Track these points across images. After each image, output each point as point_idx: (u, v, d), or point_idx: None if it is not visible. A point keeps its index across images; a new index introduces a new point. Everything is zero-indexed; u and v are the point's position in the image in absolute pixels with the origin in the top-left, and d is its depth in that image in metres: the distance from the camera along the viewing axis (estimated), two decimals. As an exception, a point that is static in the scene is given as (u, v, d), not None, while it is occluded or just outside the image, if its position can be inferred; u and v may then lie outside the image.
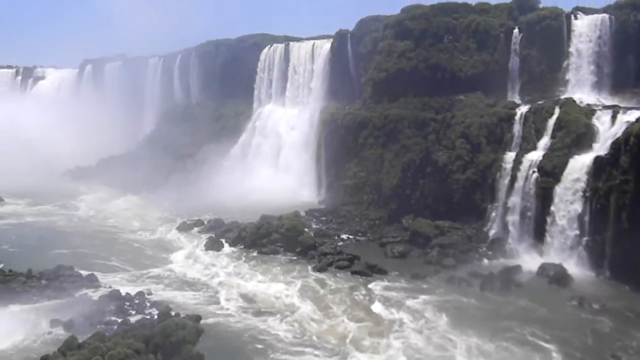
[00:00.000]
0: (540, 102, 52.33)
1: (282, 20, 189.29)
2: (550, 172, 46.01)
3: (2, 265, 44.05)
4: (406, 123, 57.88)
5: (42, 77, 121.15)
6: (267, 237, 50.62)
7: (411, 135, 57.17)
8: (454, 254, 46.64)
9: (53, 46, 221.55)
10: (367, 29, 67.09)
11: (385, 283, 41.64)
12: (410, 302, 37.79)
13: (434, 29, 60.56)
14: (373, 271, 43.64)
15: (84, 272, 42.37)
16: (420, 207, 54.09)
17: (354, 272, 43.78)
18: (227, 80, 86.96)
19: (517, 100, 55.44)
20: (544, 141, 48.78)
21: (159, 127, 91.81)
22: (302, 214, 57.81)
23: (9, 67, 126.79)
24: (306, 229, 52.50)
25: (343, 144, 63.49)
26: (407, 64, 60.47)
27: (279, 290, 40.41)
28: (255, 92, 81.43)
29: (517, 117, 51.74)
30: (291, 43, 77.67)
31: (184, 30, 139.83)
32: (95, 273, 42.52)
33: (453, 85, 58.08)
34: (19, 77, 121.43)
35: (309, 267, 45.28)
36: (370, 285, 41.13)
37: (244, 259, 48.22)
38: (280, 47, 78.32)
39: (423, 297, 38.75)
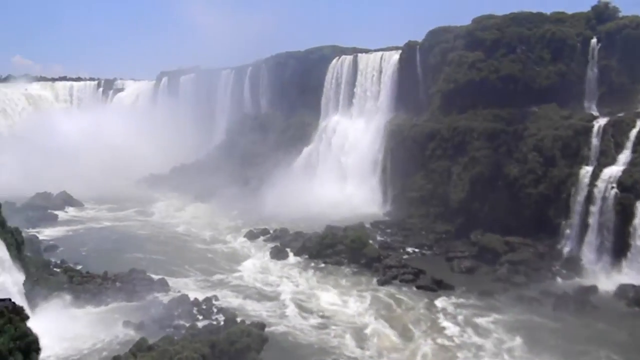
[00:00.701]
0: (620, 115, 49.56)
1: (351, 32, 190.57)
2: (631, 187, 43.44)
3: (80, 267, 46.39)
4: (475, 135, 56.46)
5: (122, 89, 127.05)
6: (331, 248, 50.54)
7: (481, 147, 55.68)
8: (525, 271, 44.86)
9: (133, 60, 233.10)
10: (437, 40, 66.10)
11: (452, 299, 40.52)
12: (479, 320, 36.56)
13: (507, 39, 58.93)
14: (439, 286, 42.61)
15: (155, 276, 43.87)
16: (489, 222, 52.34)
17: (419, 287, 42.91)
18: (295, 92, 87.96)
19: (595, 113, 52.75)
20: (624, 155, 46.14)
21: (229, 137, 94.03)
22: (367, 225, 57.49)
23: (91, 79, 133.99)
24: (371, 241, 52.02)
25: (410, 156, 62.71)
26: (477, 74, 59.09)
27: (343, 302, 40.15)
28: (323, 103, 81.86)
29: (595, 129, 49.23)
30: (359, 54, 77.69)
31: (256, 43, 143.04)
32: (166, 277, 43.91)
33: (526, 96, 56.16)
34: (101, 89, 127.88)
35: (373, 280, 44.80)
36: (436, 301, 40.14)
37: (308, 269, 48.33)
38: (348, 58, 78.53)
39: (493, 315, 37.40)
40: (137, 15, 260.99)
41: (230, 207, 68.19)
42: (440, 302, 39.93)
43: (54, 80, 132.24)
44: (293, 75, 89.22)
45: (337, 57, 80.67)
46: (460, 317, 37.15)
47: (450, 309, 38.74)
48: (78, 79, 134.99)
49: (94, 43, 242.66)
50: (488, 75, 58.36)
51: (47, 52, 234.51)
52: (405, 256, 50.68)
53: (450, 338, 34.34)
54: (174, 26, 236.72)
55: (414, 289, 42.75)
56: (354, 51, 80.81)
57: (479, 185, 54.48)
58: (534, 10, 60.22)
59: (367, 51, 78.69)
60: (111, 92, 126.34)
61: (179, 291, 41.45)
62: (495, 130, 55.73)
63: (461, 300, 40.38)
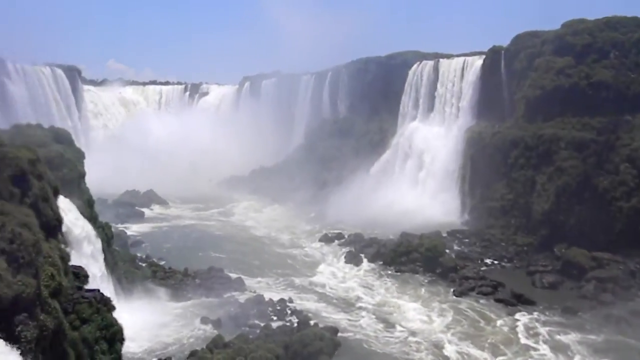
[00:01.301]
0: None
1: (433, 38, 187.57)
2: None
3: (164, 262, 48.45)
4: (562, 144, 53.76)
5: (206, 93, 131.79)
6: (406, 256, 49.83)
7: (568, 157, 52.92)
8: (613, 289, 42.09)
9: (218, 64, 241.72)
10: (523, 45, 63.62)
11: (533, 315, 38.73)
12: (561, 338, 34.76)
13: (599, 44, 55.86)
14: (519, 301, 40.86)
15: (232, 275, 45.05)
16: (575, 236, 49.58)
17: (497, 300, 41.35)
18: (374, 97, 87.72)
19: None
20: None
21: (307, 141, 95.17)
22: (444, 234, 56.17)
23: (179, 83, 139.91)
24: (447, 250, 50.85)
25: (491, 164, 60.70)
26: (566, 80, 56.35)
27: (419, 312, 39.35)
28: (402, 109, 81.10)
29: (697, 141, 45.59)
30: (441, 60, 76.27)
31: (337, 49, 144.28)
32: (243, 277, 45.02)
33: (618, 104, 52.89)
34: (187, 93, 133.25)
35: (449, 290, 43.66)
36: (516, 316, 38.53)
37: (382, 276, 47.87)
38: (429, 64, 77.33)
39: (576, 334, 35.40)
40: (223, 21, 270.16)
41: (306, 210, 68.96)
42: (520, 318, 38.26)
43: (144, 84, 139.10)
44: (373, 81, 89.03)
45: (418, 63, 79.61)
46: (540, 334, 35.42)
47: (531, 325, 37.01)
48: (167, 83, 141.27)
49: (182, 48, 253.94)
50: (578, 82, 55.52)
51: (138, 57, 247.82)
52: (484, 268, 49.02)
53: (529, 352, 32.87)
54: (259, 32, 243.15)
55: (492, 301, 41.23)
56: (436, 56, 79.48)
57: (565, 197, 51.77)
58: (629, 15, 56.88)
59: (449, 56, 77.14)
60: (197, 95, 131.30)
61: (254, 291, 42.33)
62: (584, 139, 52.83)
63: (543, 316, 38.52)
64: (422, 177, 72.75)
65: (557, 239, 50.35)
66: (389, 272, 48.58)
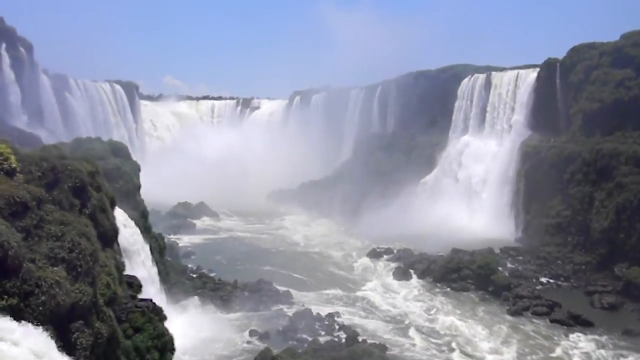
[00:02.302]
0: None
1: (484, 50, 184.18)
2: None
3: (214, 274, 49.18)
4: (623, 159, 51.55)
5: (257, 107, 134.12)
6: (457, 272, 48.79)
7: (628, 172, 50.67)
8: (680, 313, 39.84)
9: (269, 79, 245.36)
10: (580, 57, 61.69)
11: (592, 336, 37.06)
12: (622, 363, 33.09)
13: (662, 55, 53.56)
14: (576, 322, 39.19)
15: (281, 288, 45.16)
16: (637, 255, 47.16)
17: (553, 320, 39.80)
18: (424, 111, 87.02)
19: None
20: None
21: (355, 156, 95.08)
22: (497, 251, 54.80)
23: (231, 98, 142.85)
24: (500, 268, 49.45)
25: (546, 180, 58.88)
26: (625, 93, 54.28)
27: (472, 331, 38.29)
28: (453, 123, 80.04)
29: None
30: (493, 73, 74.96)
31: (387, 62, 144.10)
32: (291, 290, 45.06)
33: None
34: (239, 107, 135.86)
35: (503, 309, 42.38)
36: (572, 336, 36.99)
37: (432, 292, 46.98)
38: (481, 77, 76.14)
39: (637, 358, 33.58)
40: (276, 36, 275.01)
41: (355, 225, 68.71)
42: (575, 338, 36.71)
43: (198, 99, 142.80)
44: (423, 95, 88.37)
45: (470, 76, 78.56)
46: (599, 359, 33.79)
47: (590, 347, 35.41)
48: (220, 98, 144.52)
49: (235, 63, 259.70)
50: (638, 95, 53.32)
51: (193, 72, 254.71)
52: (539, 287, 47.35)
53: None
54: (311, 45, 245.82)
55: (548, 322, 39.74)
56: (488, 69, 78.23)
57: (625, 214, 49.51)
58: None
59: (501, 69, 75.75)
60: (248, 110, 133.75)
61: (302, 305, 42.29)
62: (646, 154, 50.53)
63: (602, 338, 36.79)
64: (473, 192, 71.40)
65: (617, 258, 48.16)
66: (439, 289, 47.64)
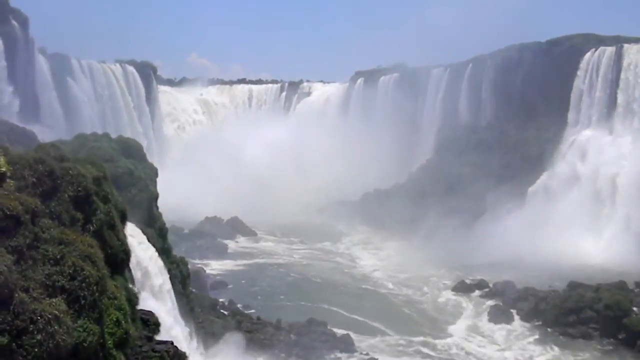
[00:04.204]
0: None
1: (612, 16, 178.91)
2: None
3: (253, 311, 49.78)
4: None
5: (308, 93, 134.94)
6: (576, 314, 47.73)
7: None
8: None
9: (323, 57, 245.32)
10: None
11: None
12: None
13: None
14: None
15: (338, 331, 45.27)
16: None
17: None
18: (530, 96, 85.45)
19: None
20: None
21: (438, 156, 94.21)
22: (630, 285, 53.24)
23: (273, 82, 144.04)
24: (635, 309, 48.03)
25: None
26: None
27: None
28: (570, 113, 78.30)
29: None
30: (625, 45, 72.87)
31: (479, 32, 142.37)
32: (351, 334, 45.06)
33: None
34: (284, 94, 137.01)
35: (639, 365, 41.11)
36: None
37: (542, 340, 46.08)
38: (609, 50, 74.20)
39: None
40: (330, 4, 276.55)
41: (436, 248, 67.91)
42: None
43: (231, 83, 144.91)
44: (529, 75, 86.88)
45: (593, 50, 76.80)
46: None
47: None
48: (259, 82, 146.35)
49: (278, 38, 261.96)
50: None
51: (225, 50, 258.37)
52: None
53: None
54: (376, 13, 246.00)
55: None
56: (617, 41, 76.16)
57: None
58: None
59: (636, 40, 73.50)
60: (295, 97, 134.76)
61: (367, 353, 42.32)
62: None
63: None
64: (598, 206, 69.66)
65: None
66: (552, 336, 46.74)
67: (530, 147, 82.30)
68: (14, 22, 76.52)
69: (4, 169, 17.66)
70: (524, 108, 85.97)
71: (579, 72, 77.56)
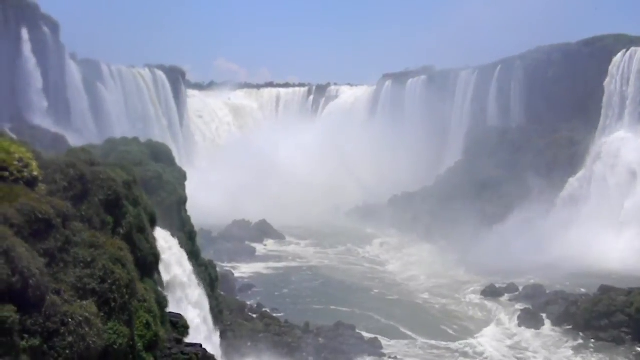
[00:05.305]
0: None
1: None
2: None
3: (282, 314, 49.93)
4: None
5: (335, 96, 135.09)
6: (607, 318, 47.07)
7: None
8: None
9: (351, 60, 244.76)
10: None
11: None
12: None
13: None
14: None
15: (366, 335, 45.32)
16: None
17: None
18: (560, 98, 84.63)
19: None
20: None
21: (466, 158, 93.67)
22: (664, 290, 52.28)
23: (301, 85, 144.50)
24: (669, 313, 47.22)
25: None
26: None
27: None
28: (602, 113, 77.42)
29: None
30: (658, 45, 72.00)
31: (509, 33, 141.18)
32: (380, 338, 45.06)
33: None
34: (311, 97, 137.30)
35: (673, 371, 40.45)
36: None
37: (573, 345, 45.56)
38: (640, 51, 73.34)
39: None
40: (358, 7, 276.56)
41: (465, 252, 67.51)
42: None
43: (259, 87, 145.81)
44: (558, 76, 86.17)
45: (624, 50, 75.92)
46: None
47: None
48: (286, 85, 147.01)
49: (305, 42, 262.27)
50: None
51: (252, 54, 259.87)
52: None
53: None
54: (405, 15, 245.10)
55: None
56: (650, 41, 75.24)
57: None
58: None
59: (670, 40, 72.67)
60: (323, 100, 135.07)
61: (395, 356, 42.23)
62: None
63: None
64: (631, 209, 68.74)
65: None
66: (583, 340, 46.19)
67: (561, 150, 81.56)
68: (45, 29, 77.63)
69: (35, 173, 17.96)
70: (554, 110, 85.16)
71: (610, 73, 76.62)
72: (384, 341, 44.71)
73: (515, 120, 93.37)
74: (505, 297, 55.88)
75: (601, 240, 66.01)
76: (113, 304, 16.84)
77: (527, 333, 47.79)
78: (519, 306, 52.98)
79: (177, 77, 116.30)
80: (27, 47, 72.99)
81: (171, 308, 26.85)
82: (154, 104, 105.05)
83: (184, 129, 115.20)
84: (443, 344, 45.46)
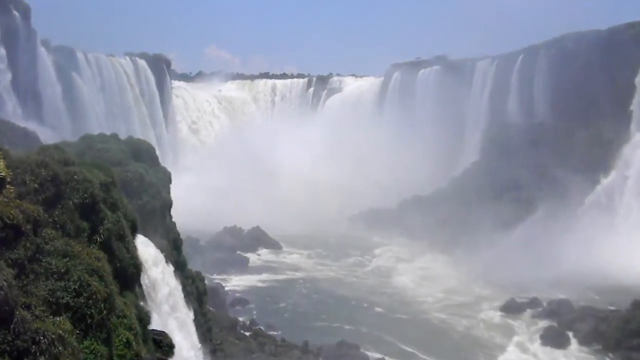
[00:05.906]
0: None
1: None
2: None
3: (279, 332, 49.93)
4: None
5: (338, 88, 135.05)
6: (641, 337, 47.18)
7: None
8: None
9: (355, 49, 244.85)
10: None
11: None
12: None
13: None
14: None
15: (371, 355, 45.34)
16: None
17: None
18: (589, 92, 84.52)
19: None
20: None
21: (484, 158, 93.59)
22: None
23: (299, 76, 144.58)
24: None
25: None
26: None
27: None
28: (635, 110, 77.43)
29: None
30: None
31: (531, 20, 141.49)
32: (387, 358, 45.06)
33: None
34: (311, 89, 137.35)
35: None
36: None
37: (603, 367, 45.59)
38: (679, 38, 73.50)
39: None
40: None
41: (482, 263, 67.49)
42: None
43: (253, 78, 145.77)
44: (586, 67, 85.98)
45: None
46: None
47: None
48: (283, 76, 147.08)
49: (304, 28, 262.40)
50: None
51: (246, 42, 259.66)
52: None
53: None
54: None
55: None
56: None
57: None
58: None
59: None
60: (324, 92, 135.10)
61: (403, 380, 42.22)
62: None
63: None
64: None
65: None
66: (613, 361, 46.17)
67: (589, 149, 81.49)
68: (15, 12, 77.15)
69: (3, 174, 17.87)
70: (582, 104, 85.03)
71: (645, 64, 76.82)
72: (391, 362, 44.85)
73: (538, 116, 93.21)
74: (528, 312, 55.88)
75: (635, 251, 65.90)
76: (89, 320, 16.80)
77: (552, 353, 47.80)
78: (542, 323, 52.99)
79: (161, 67, 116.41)
80: (-6, 34, 72.91)
81: (154, 325, 26.82)
82: (135, 96, 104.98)
83: (168, 125, 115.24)
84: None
